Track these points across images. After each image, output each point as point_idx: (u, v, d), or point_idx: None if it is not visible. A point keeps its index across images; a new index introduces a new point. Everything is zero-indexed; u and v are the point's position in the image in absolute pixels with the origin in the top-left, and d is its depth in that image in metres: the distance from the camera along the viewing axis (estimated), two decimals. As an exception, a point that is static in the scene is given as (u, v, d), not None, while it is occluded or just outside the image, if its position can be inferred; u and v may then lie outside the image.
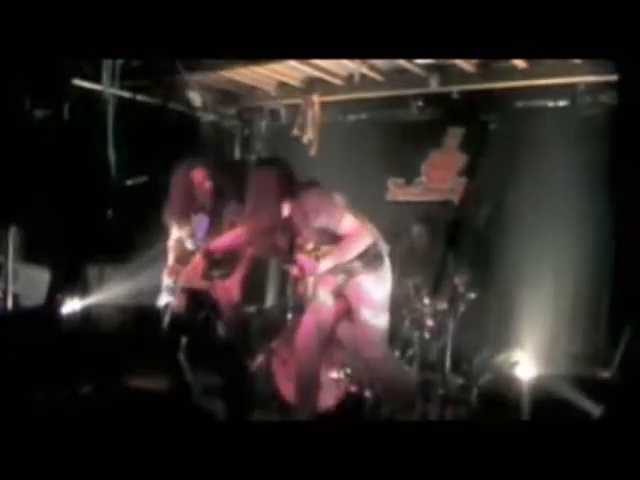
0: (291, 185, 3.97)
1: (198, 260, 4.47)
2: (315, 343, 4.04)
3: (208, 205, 4.82)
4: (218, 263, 4.59)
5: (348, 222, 3.84)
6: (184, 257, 4.69)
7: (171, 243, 4.80)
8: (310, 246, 3.97)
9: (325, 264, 3.83)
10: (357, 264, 3.88)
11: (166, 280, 4.70)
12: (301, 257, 4.02)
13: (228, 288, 4.76)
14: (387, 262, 4.08)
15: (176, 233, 4.80)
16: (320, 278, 3.88)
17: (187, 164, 4.86)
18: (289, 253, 4.15)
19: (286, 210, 3.97)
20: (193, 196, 4.80)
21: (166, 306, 4.67)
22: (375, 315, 3.89)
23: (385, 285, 3.97)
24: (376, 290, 3.91)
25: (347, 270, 3.88)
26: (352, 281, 3.88)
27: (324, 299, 3.98)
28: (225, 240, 4.52)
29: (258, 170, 4.08)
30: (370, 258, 3.88)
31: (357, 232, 3.85)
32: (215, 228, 4.72)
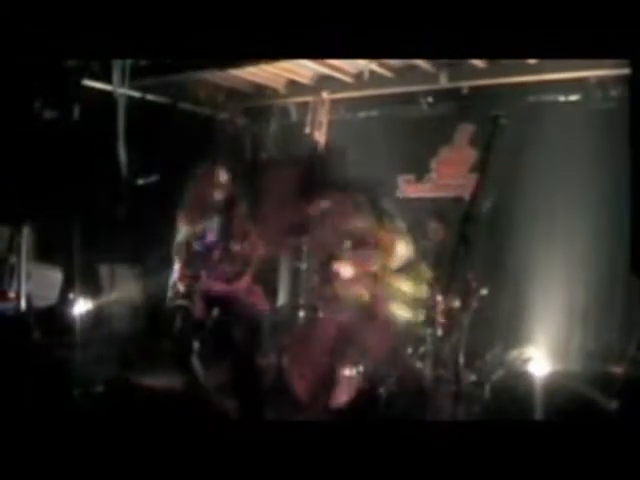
0: (316, 186, 3.93)
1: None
2: (332, 344, 4.03)
3: (221, 208, 4.80)
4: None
5: (380, 231, 3.78)
6: (192, 260, 4.69)
7: (177, 246, 4.78)
8: (339, 249, 3.92)
9: (347, 270, 3.79)
10: (390, 270, 3.85)
11: (179, 285, 4.67)
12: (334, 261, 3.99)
13: (248, 289, 4.79)
14: (423, 267, 4.06)
15: (182, 235, 4.79)
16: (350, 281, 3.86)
17: (209, 164, 4.86)
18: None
19: (312, 211, 3.93)
20: (211, 197, 4.79)
21: (177, 309, 4.67)
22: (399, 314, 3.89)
23: (418, 286, 3.96)
24: (407, 290, 3.89)
25: (379, 275, 3.85)
26: (383, 282, 3.85)
27: (353, 301, 3.96)
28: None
29: (280, 169, 4.04)
30: (404, 266, 3.86)
31: (388, 241, 3.79)
32: (226, 231, 4.72)
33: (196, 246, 4.74)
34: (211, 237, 4.76)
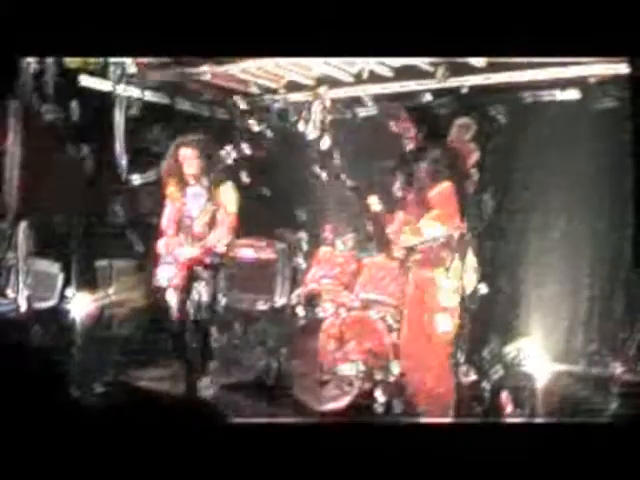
0: None
1: None
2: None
3: (203, 181, 5.04)
4: None
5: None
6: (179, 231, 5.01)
7: (165, 221, 5.08)
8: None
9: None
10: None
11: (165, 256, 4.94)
12: None
13: None
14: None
15: (170, 207, 5.05)
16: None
17: (178, 142, 5.13)
18: None
19: None
20: (181, 172, 5.08)
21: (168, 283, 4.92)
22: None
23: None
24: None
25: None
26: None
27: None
28: None
29: None
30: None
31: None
32: (209, 205, 5.01)
33: (184, 217, 5.03)
34: (194, 208, 5.01)
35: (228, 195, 5.09)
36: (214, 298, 5.04)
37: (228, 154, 5.13)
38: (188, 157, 5.06)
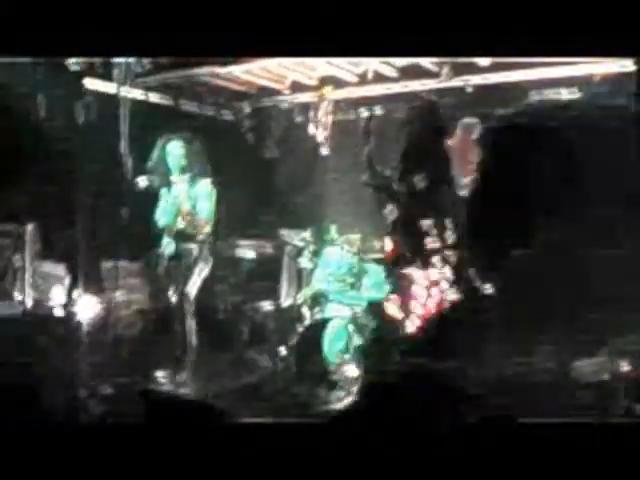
0: None
1: None
2: None
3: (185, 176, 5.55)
4: None
5: None
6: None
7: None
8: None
9: None
10: None
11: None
12: None
13: None
14: None
15: None
16: None
17: (167, 136, 5.57)
18: None
19: None
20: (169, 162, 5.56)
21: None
22: None
23: None
24: None
25: None
26: None
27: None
28: None
29: None
30: None
31: None
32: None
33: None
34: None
35: (205, 191, 5.53)
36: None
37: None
38: (174, 152, 5.52)
